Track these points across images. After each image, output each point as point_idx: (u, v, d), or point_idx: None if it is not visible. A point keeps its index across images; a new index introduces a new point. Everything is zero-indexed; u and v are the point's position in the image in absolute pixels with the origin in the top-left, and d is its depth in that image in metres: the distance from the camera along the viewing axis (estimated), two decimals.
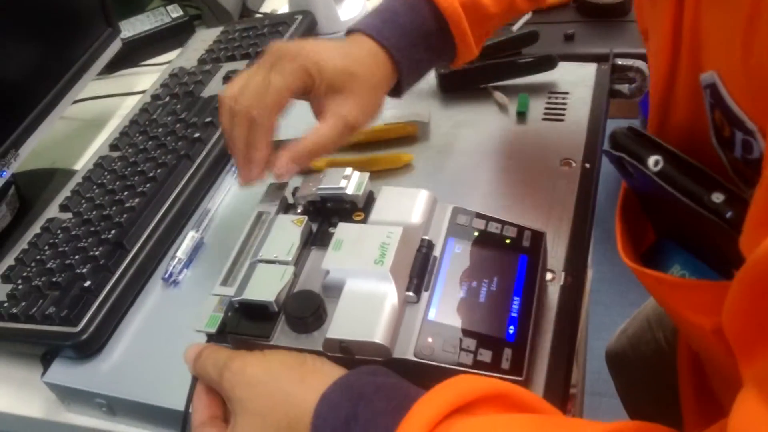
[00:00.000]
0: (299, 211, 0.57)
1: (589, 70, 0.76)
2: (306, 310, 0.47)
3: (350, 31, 0.59)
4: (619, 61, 0.75)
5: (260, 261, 0.51)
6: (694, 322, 0.36)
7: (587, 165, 0.65)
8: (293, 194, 0.58)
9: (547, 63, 0.75)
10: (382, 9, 0.60)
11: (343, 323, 0.45)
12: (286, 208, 0.58)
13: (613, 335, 0.90)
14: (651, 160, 0.35)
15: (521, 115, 0.72)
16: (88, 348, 0.56)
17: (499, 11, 0.63)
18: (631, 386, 0.86)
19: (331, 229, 0.53)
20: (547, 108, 0.73)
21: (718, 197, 0.32)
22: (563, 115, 0.71)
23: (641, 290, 0.54)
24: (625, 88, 0.76)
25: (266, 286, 0.48)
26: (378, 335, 0.44)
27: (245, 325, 0.48)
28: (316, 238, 0.54)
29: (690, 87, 0.34)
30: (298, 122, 0.57)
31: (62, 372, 0.56)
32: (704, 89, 0.33)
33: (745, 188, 0.33)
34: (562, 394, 0.47)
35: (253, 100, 0.52)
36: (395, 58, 0.57)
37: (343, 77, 0.54)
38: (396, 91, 0.61)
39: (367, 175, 0.56)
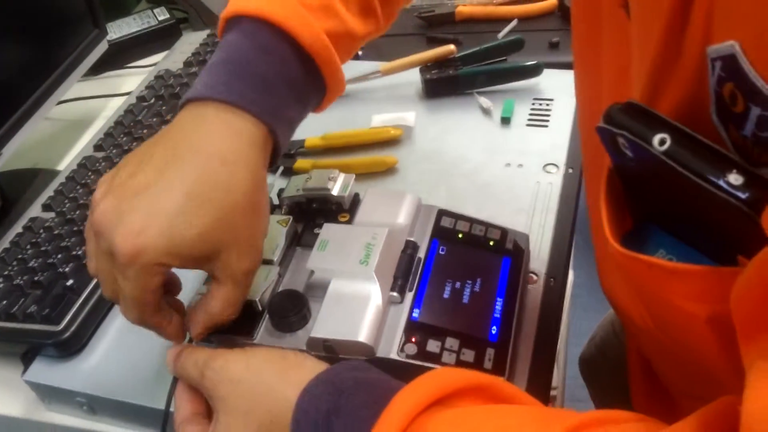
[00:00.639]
0: (284, 211, 0.57)
1: (573, 77, 0.77)
2: (290, 309, 0.47)
3: (191, 100, 0.44)
4: None
5: None
6: (687, 310, 0.34)
7: (570, 170, 0.66)
8: (279, 195, 0.59)
9: (532, 70, 0.76)
10: (229, 60, 0.45)
11: (328, 322, 0.46)
12: (272, 208, 0.58)
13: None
14: (656, 139, 0.32)
15: (506, 121, 0.73)
16: (70, 347, 0.56)
17: (366, 33, 0.52)
18: (602, 391, 0.87)
19: (316, 230, 0.53)
20: (531, 114, 0.74)
21: (737, 179, 0.30)
22: (547, 120, 0.72)
23: None
24: None
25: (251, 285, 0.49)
26: (362, 334, 0.44)
27: (229, 323, 0.48)
28: (301, 239, 0.54)
29: (695, 60, 0.32)
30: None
31: (43, 371, 0.55)
32: (712, 61, 0.31)
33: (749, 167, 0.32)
34: (543, 393, 0.47)
35: (127, 315, 0.44)
36: (266, 124, 0.44)
37: (211, 235, 0.41)
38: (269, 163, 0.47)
39: (352, 176, 0.57)
